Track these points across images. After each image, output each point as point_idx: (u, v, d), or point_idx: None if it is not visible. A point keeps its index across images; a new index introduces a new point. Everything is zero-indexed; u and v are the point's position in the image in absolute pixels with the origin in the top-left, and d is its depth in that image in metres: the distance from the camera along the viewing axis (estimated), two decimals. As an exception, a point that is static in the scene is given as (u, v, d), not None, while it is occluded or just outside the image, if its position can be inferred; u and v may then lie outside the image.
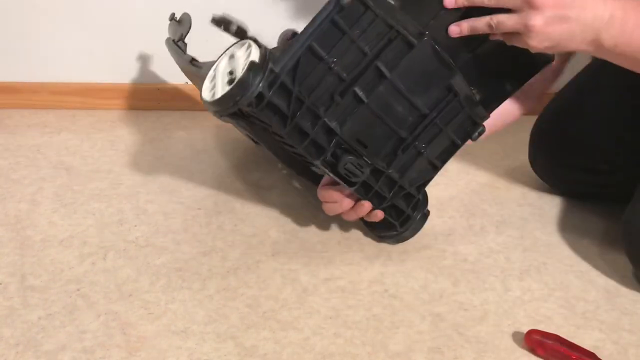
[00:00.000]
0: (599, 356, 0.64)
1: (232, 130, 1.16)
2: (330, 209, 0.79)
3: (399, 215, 0.80)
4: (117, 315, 0.70)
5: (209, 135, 1.14)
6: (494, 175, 1.01)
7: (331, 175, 0.73)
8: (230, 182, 0.99)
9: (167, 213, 0.90)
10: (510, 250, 0.83)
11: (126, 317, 0.70)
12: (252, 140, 1.02)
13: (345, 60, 0.68)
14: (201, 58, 0.88)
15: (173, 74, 1.23)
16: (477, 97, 0.75)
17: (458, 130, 0.76)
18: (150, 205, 0.92)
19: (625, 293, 0.75)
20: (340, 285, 0.76)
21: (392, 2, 0.67)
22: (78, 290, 0.74)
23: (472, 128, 0.76)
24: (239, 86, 0.64)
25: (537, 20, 0.65)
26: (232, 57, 0.70)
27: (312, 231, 0.86)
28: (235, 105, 0.65)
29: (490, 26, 0.68)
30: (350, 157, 0.71)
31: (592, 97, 0.91)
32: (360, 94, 0.69)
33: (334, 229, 0.87)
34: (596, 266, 0.80)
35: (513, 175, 1.00)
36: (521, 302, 0.73)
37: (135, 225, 0.87)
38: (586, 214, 0.90)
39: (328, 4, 0.66)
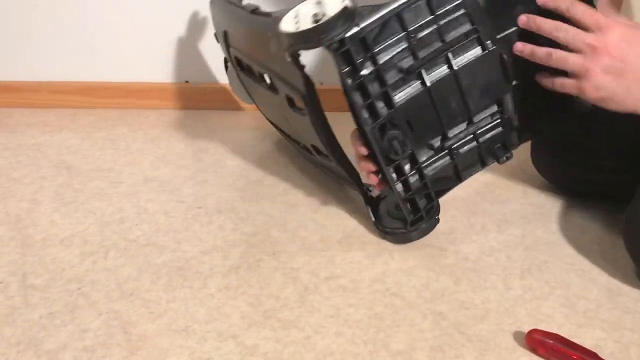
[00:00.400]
0: (601, 355, 0.64)
1: (233, 130, 1.16)
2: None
3: (414, 212, 0.81)
4: (118, 314, 0.70)
5: (210, 135, 1.14)
6: (495, 173, 1.01)
7: (375, 146, 0.74)
8: (231, 181, 0.99)
9: (167, 212, 0.90)
10: (511, 249, 0.82)
11: (127, 316, 0.70)
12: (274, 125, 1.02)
13: (422, 41, 0.71)
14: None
15: (174, 73, 1.23)
16: (516, 123, 0.78)
17: (489, 149, 0.78)
18: (151, 204, 0.91)
19: (627, 292, 0.75)
20: (341, 284, 0.76)
21: (480, 2, 0.71)
22: (79, 289, 0.74)
23: (501, 151, 0.79)
24: (327, 24, 0.67)
25: (597, 66, 0.65)
26: (319, 3, 0.70)
27: (313, 230, 0.86)
28: (318, 42, 0.68)
29: (549, 56, 0.70)
30: (398, 133, 0.73)
31: None
32: (426, 76, 0.72)
33: (335, 227, 0.87)
34: (597, 265, 0.80)
35: (514, 174, 1.00)
36: (522, 301, 0.73)
37: (136, 224, 0.87)
38: (587, 213, 0.90)
39: None
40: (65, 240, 0.83)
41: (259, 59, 0.86)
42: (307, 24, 0.69)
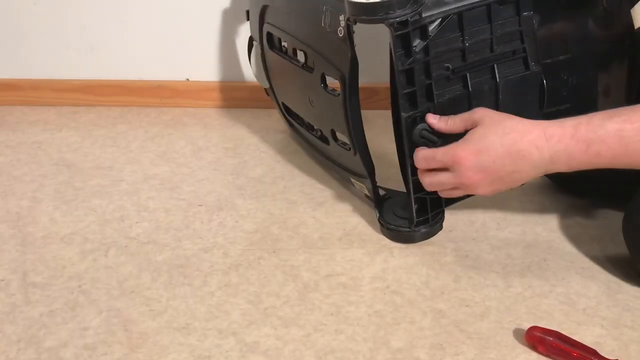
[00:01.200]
0: (601, 353, 0.64)
1: (233, 128, 1.16)
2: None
3: (421, 211, 0.81)
4: (119, 311, 0.70)
5: (210, 132, 1.14)
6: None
7: (405, 135, 0.75)
8: (232, 178, 0.99)
9: (168, 209, 0.90)
10: (511, 247, 0.83)
11: (128, 314, 0.70)
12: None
13: (474, 46, 0.74)
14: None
15: (174, 71, 1.23)
16: None
17: None
18: (151, 202, 0.92)
19: (627, 289, 0.75)
20: (341, 281, 0.76)
21: (535, 23, 0.75)
22: (79, 286, 0.74)
23: None
24: (398, 2, 0.69)
25: (470, 179, 0.71)
26: None
27: (313, 227, 0.86)
28: (384, 17, 0.69)
29: (434, 187, 0.75)
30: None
31: None
32: (470, 81, 0.75)
33: (335, 225, 0.87)
34: (597, 262, 0.80)
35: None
36: (522, 299, 0.73)
37: (137, 222, 0.87)
38: (587, 210, 0.90)
39: None
40: (66, 238, 0.83)
41: (300, 35, 0.87)
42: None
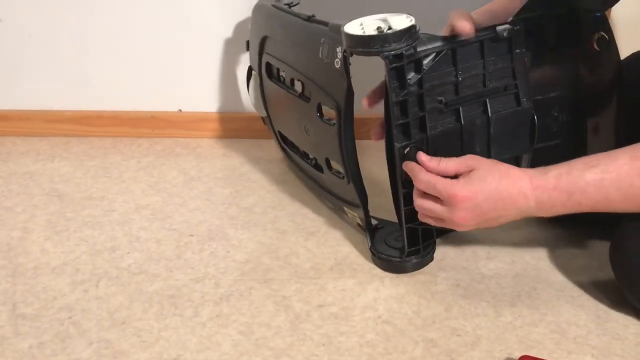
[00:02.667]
0: (591, 381, 0.65)
1: (225, 158, 1.17)
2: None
3: (412, 242, 0.82)
4: (110, 343, 0.70)
5: (202, 162, 1.15)
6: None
7: (397, 165, 0.76)
8: (223, 208, 0.99)
9: (159, 240, 0.90)
10: (501, 276, 0.83)
11: (118, 345, 0.70)
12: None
13: (466, 80, 0.76)
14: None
15: (167, 102, 1.24)
16: None
17: None
18: (143, 232, 0.92)
19: (616, 317, 0.76)
20: (333, 311, 0.76)
21: (527, 61, 0.77)
22: (70, 318, 0.74)
23: None
24: (394, 35, 0.71)
25: (460, 219, 0.72)
26: (384, 20, 0.73)
27: (304, 257, 0.87)
28: (379, 49, 0.71)
29: (422, 210, 0.76)
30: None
31: None
32: (462, 114, 0.76)
33: (327, 254, 0.87)
34: (586, 291, 0.80)
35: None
36: (513, 328, 0.74)
37: (128, 252, 0.87)
38: (575, 240, 0.91)
39: (487, 28, 0.75)
40: (57, 268, 0.83)
41: (298, 65, 0.89)
42: (371, 32, 0.72)
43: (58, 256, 0.85)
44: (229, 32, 1.20)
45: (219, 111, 1.25)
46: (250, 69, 1.08)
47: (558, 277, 0.83)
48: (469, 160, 0.73)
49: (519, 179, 0.70)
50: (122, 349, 0.69)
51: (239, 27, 1.19)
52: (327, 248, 0.89)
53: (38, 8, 1.16)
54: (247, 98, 1.25)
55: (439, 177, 0.73)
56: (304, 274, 0.83)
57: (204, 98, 1.25)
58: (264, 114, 1.08)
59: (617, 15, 1.05)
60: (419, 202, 0.76)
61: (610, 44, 0.81)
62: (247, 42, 1.06)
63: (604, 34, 0.81)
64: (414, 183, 0.75)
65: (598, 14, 0.82)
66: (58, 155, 1.16)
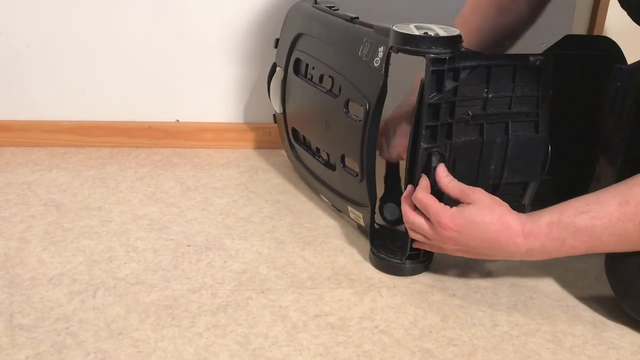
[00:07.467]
0: (587, 391, 0.65)
1: (222, 168, 1.17)
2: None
3: (413, 248, 0.83)
4: (106, 353, 0.70)
5: (200, 172, 1.15)
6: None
7: (418, 165, 0.78)
8: (220, 218, 0.99)
9: (156, 250, 0.90)
10: (497, 285, 0.83)
11: (115, 356, 0.70)
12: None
13: (495, 100, 0.79)
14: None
15: (164, 112, 1.25)
16: (527, 210, 0.85)
17: None
18: (140, 242, 0.92)
19: (612, 327, 0.76)
20: (330, 321, 0.76)
21: (551, 93, 0.80)
22: (67, 328, 0.74)
23: None
24: (442, 39, 0.74)
25: (443, 244, 0.76)
26: (431, 29, 0.77)
27: (301, 267, 0.87)
28: (427, 50, 0.74)
29: (411, 226, 0.79)
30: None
31: None
32: (485, 130, 0.79)
33: (324, 264, 0.87)
34: (582, 301, 0.81)
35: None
36: (509, 337, 0.74)
37: (125, 263, 0.87)
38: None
39: (520, 55, 0.78)
40: (54, 279, 0.83)
41: (332, 62, 0.92)
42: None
43: (55, 266, 0.85)
44: (226, 43, 1.21)
45: (217, 121, 1.26)
46: (273, 66, 1.10)
47: (554, 287, 0.84)
48: (473, 193, 0.75)
49: (509, 227, 0.72)
50: (119, 359, 0.69)
51: (237, 38, 1.20)
52: (324, 258, 0.89)
53: (36, 19, 1.17)
54: (245, 108, 1.26)
55: (435, 200, 0.75)
56: (301, 284, 0.83)
57: (202, 108, 1.25)
58: (280, 111, 1.10)
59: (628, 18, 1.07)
60: (411, 218, 0.77)
61: (625, 98, 0.85)
62: (276, 40, 1.08)
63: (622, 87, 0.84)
64: (415, 193, 0.77)
65: (624, 66, 0.86)
66: (56, 166, 1.16)
